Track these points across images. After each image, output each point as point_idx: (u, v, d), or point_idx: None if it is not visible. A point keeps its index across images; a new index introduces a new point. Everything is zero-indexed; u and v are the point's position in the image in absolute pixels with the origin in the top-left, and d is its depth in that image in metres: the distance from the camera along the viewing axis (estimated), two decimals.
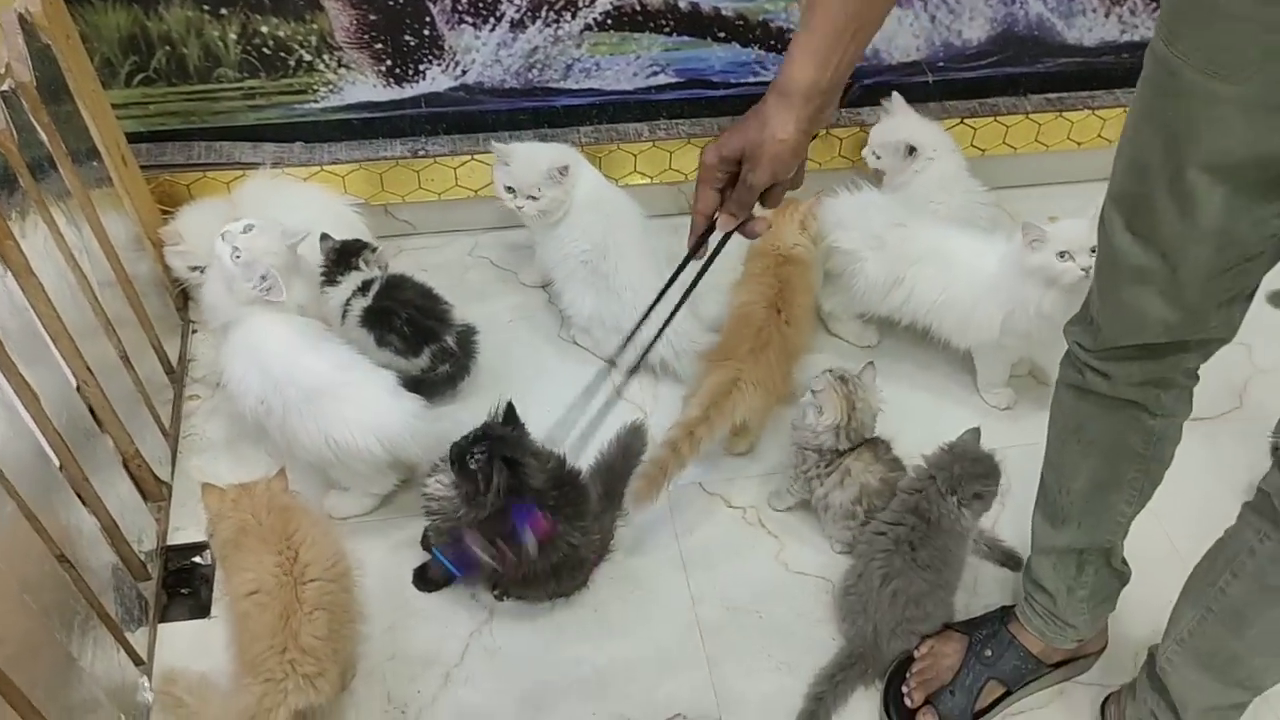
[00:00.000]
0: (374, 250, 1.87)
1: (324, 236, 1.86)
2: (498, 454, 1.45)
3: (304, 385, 1.59)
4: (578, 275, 1.99)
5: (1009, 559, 1.72)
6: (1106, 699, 1.54)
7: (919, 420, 1.83)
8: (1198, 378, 1.27)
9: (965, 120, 2.23)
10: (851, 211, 1.94)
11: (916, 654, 1.57)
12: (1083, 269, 1.67)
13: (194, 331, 2.03)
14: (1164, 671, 1.37)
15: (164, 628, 1.61)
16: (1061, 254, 1.69)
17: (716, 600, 1.69)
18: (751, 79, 2.18)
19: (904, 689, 1.54)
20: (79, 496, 1.42)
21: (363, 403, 1.58)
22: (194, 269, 1.92)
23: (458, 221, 2.26)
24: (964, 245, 1.86)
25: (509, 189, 1.92)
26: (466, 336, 1.88)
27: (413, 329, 1.81)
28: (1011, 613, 1.57)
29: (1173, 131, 1.02)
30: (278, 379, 1.59)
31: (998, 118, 2.25)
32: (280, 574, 1.41)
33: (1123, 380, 1.26)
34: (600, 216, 1.97)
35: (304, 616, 1.39)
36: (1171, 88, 1.01)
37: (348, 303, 1.84)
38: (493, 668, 1.59)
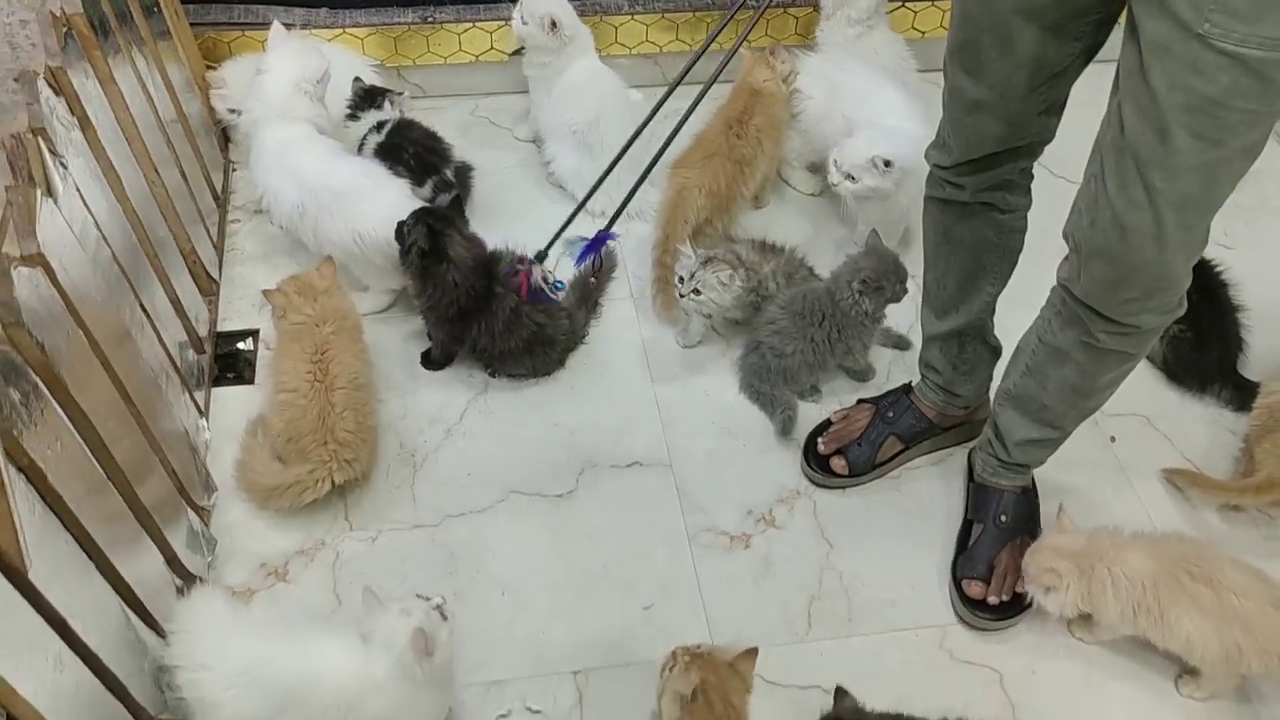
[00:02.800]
0: (399, 94, 2.20)
1: (356, 79, 2.19)
2: (422, 221, 1.80)
3: (335, 189, 1.93)
4: (567, 141, 2.33)
5: (899, 342, 2.10)
6: (970, 450, 1.90)
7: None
8: (1033, 175, 1.61)
9: (906, 4, 2.55)
10: (811, 60, 2.27)
11: (833, 418, 1.93)
12: (853, 190, 2.04)
13: (234, 170, 2.37)
14: (995, 413, 1.74)
15: (217, 390, 1.97)
16: (847, 175, 2.03)
17: (672, 381, 2.05)
18: None
19: (819, 442, 1.90)
20: (156, 275, 1.78)
21: (384, 203, 1.92)
22: (233, 111, 2.25)
23: (462, 86, 2.58)
24: (886, 97, 2.18)
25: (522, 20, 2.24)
26: (464, 172, 2.22)
27: (418, 162, 2.14)
28: (911, 388, 1.93)
29: None
30: (312, 185, 1.94)
31: (935, 2, 2.57)
32: (314, 380, 1.77)
33: (973, 188, 1.60)
34: (595, 96, 2.31)
35: (336, 416, 1.75)
36: None
37: (364, 138, 2.17)
38: (486, 426, 1.96)
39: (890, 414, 1.91)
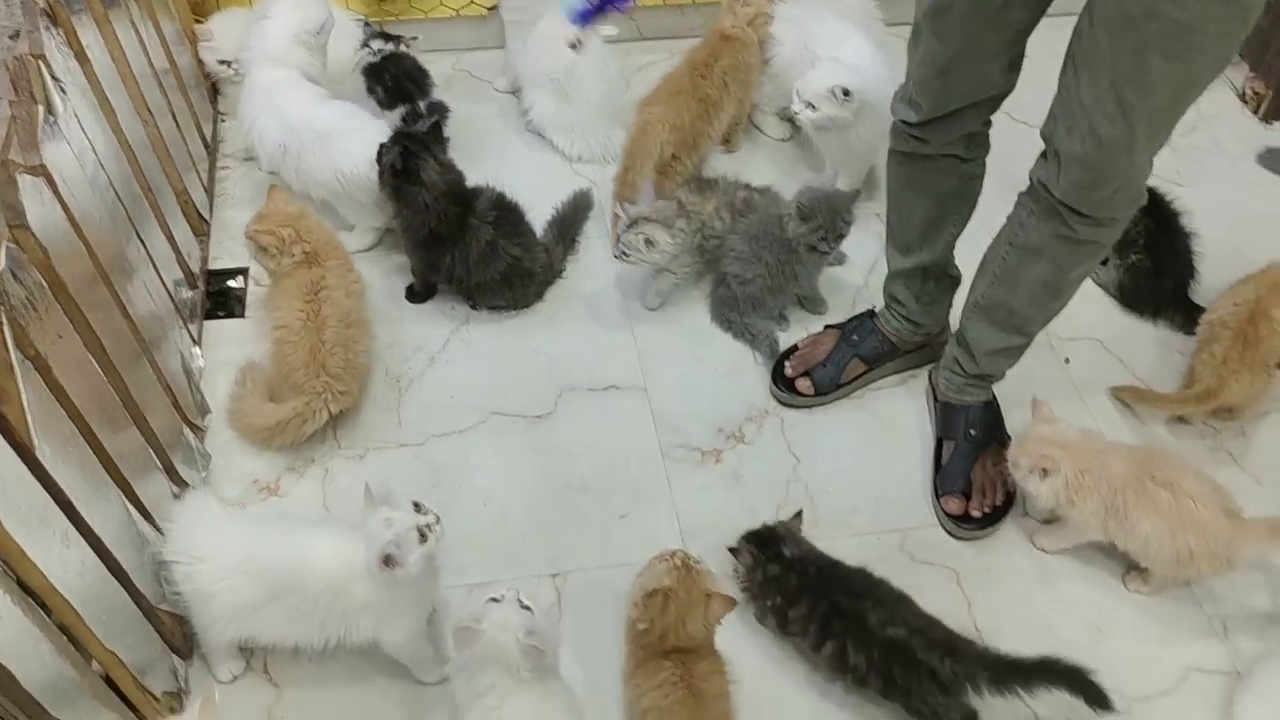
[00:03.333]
0: (412, 38, 2.30)
1: (366, 23, 2.30)
2: (399, 143, 1.89)
3: (317, 129, 2.02)
4: (544, 88, 2.42)
5: (838, 258, 2.19)
6: (931, 371, 1.99)
7: None
8: (991, 123, 1.69)
9: None
10: (784, 7, 2.36)
11: (800, 344, 2.02)
12: (812, 119, 2.11)
13: (222, 120, 2.45)
14: (963, 328, 1.83)
15: (209, 324, 2.06)
16: (807, 104, 2.11)
17: (648, 313, 2.13)
18: None
19: (786, 365, 1.99)
20: (151, 210, 1.86)
21: (365, 141, 2.00)
22: (222, 63, 2.33)
23: (444, 41, 2.66)
24: (854, 44, 2.26)
25: None
26: (439, 109, 2.27)
27: (395, 86, 2.22)
28: (875, 313, 2.02)
29: None
30: (295, 125, 2.02)
31: None
32: (306, 320, 1.84)
33: (937, 141, 1.68)
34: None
35: (326, 352, 1.83)
36: None
37: (361, 57, 2.25)
38: (468, 354, 2.05)
39: (855, 337, 2.00)
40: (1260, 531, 1.66)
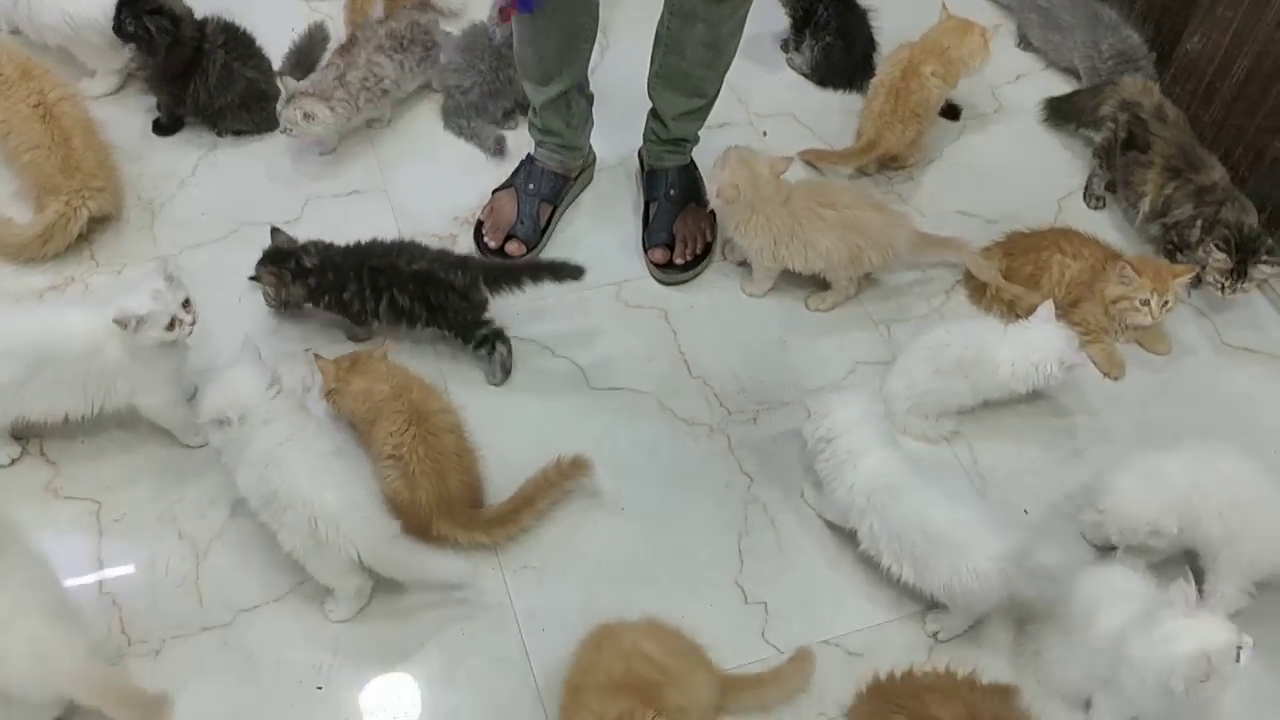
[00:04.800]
0: None
1: None
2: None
3: None
4: None
5: None
6: (639, 149, 2.22)
7: None
8: None
9: None
10: None
11: (482, 216, 2.13)
12: None
13: None
14: (652, 98, 2.06)
15: None
16: None
17: (382, 129, 2.32)
18: None
19: (485, 240, 2.10)
20: None
21: None
22: None
23: None
24: None
25: None
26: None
27: None
28: (533, 158, 2.15)
29: None
30: None
31: None
32: (51, 133, 1.97)
33: None
34: None
35: (79, 156, 1.97)
36: None
37: None
38: (216, 175, 2.20)
39: (530, 186, 2.13)
40: (911, 228, 2.01)
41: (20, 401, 1.67)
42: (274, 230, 1.91)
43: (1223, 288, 2.03)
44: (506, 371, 1.93)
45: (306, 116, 2.11)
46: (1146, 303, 1.93)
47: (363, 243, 1.91)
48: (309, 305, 1.91)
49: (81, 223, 1.98)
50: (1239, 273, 2.01)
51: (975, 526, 1.58)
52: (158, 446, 1.79)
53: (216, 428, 1.57)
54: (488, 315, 1.90)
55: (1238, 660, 1.40)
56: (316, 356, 1.79)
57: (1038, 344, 1.80)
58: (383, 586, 1.64)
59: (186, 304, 1.67)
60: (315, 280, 1.87)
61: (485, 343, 1.90)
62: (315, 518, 1.51)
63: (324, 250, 1.89)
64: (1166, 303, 1.94)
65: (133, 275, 1.66)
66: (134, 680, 1.50)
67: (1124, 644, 1.47)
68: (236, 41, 2.18)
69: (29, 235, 1.98)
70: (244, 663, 1.60)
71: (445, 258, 1.89)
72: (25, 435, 1.78)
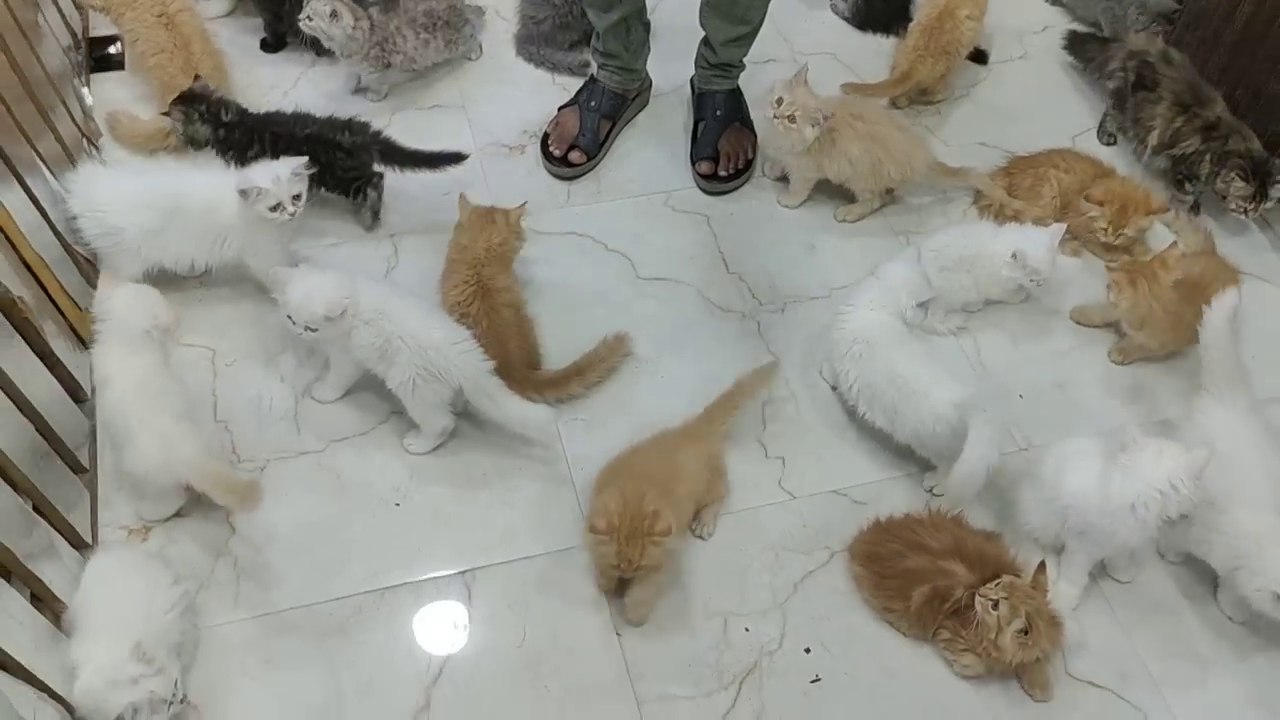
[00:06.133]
0: None
1: None
2: None
3: None
4: None
5: None
6: (691, 78, 2.47)
7: None
8: None
9: None
10: None
11: (549, 129, 2.39)
12: None
13: None
14: (703, 26, 2.31)
15: (100, 75, 2.47)
16: None
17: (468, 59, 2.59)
18: None
19: (550, 148, 2.36)
20: None
21: None
22: None
23: None
24: None
25: None
26: None
27: None
28: (594, 78, 2.41)
29: None
30: None
31: None
32: (173, 40, 2.29)
33: None
34: None
35: (198, 61, 2.27)
36: None
37: None
38: (314, 91, 2.49)
39: (592, 103, 2.38)
40: (929, 152, 2.24)
41: (155, 248, 1.97)
42: (196, 77, 2.16)
43: (1246, 211, 2.23)
44: (375, 214, 2.21)
45: (334, 15, 2.28)
46: (1105, 228, 2.16)
47: (268, 113, 2.21)
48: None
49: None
50: (1260, 195, 2.20)
51: (937, 377, 1.83)
52: (266, 306, 2.07)
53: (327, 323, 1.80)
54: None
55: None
56: (463, 196, 2.05)
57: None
58: (454, 432, 1.91)
59: (297, 198, 1.95)
60: (225, 134, 2.13)
61: (359, 192, 2.17)
62: (427, 349, 1.78)
63: (241, 112, 2.16)
64: (1123, 231, 2.15)
65: (271, 163, 1.94)
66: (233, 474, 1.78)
67: (1097, 488, 1.70)
68: None
69: (154, 128, 2.28)
70: (333, 481, 1.88)
71: (333, 122, 2.15)
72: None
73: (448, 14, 2.48)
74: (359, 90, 2.48)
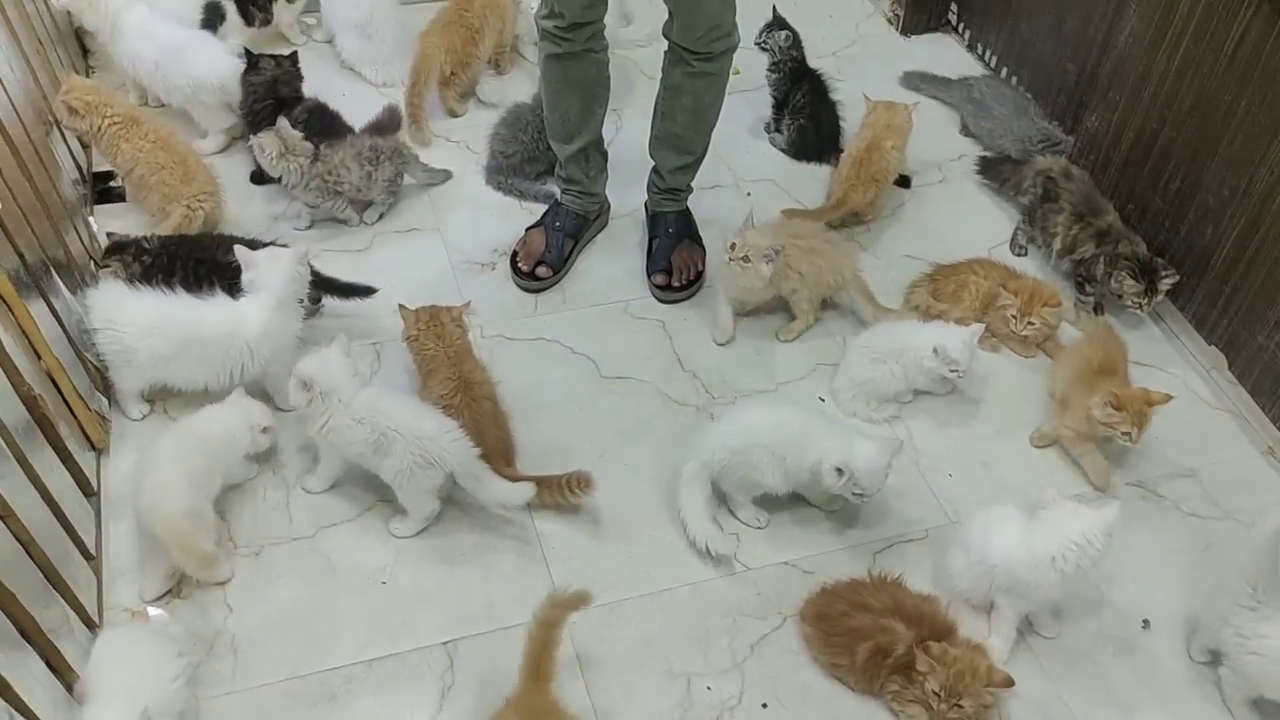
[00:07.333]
0: None
1: None
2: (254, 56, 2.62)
3: (179, 46, 2.71)
4: (352, 33, 3.13)
5: None
6: (645, 202, 2.74)
7: None
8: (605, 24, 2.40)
9: None
10: None
11: (517, 248, 2.63)
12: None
13: (92, 70, 3.08)
14: (652, 156, 2.59)
15: (100, 207, 2.69)
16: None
17: (440, 184, 2.85)
18: None
19: (519, 265, 2.60)
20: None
21: (211, 55, 2.72)
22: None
23: None
24: None
25: None
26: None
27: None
28: (559, 200, 2.67)
29: None
30: (164, 46, 2.72)
31: None
32: (170, 157, 2.53)
33: (579, 40, 2.35)
34: None
35: (194, 170, 2.53)
36: None
37: None
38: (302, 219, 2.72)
39: (557, 224, 2.64)
40: (851, 255, 2.53)
41: (167, 372, 2.16)
42: (109, 234, 2.37)
43: (1140, 306, 2.50)
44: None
45: (260, 146, 2.52)
46: (1014, 316, 2.44)
47: (190, 237, 2.43)
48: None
49: (199, 222, 2.51)
50: (1150, 290, 2.48)
51: (818, 434, 2.04)
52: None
53: (301, 390, 2.00)
54: None
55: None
56: (401, 306, 2.26)
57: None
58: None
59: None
60: (151, 261, 2.28)
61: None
62: (422, 439, 1.97)
63: (162, 240, 2.33)
64: (1031, 322, 2.43)
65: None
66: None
67: (1020, 546, 1.90)
68: (319, 120, 2.75)
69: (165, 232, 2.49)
70: (324, 563, 2.04)
71: (253, 245, 2.26)
72: (154, 398, 2.25)
73: (393, 153, 2.69)
74: (340, 218, 2.71)
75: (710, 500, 2.13)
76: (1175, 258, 2.50)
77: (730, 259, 2.36)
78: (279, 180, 2.60)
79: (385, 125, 2.91)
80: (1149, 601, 2.07)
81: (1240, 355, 2.41)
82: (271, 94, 2.70)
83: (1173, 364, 2.53)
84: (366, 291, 2.41)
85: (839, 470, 1.98)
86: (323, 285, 2.36)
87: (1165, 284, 2.46)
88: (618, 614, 2.00)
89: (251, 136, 2.58)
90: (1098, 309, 2.61)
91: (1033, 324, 2.43)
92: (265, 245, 2.28)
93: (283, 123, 2.57)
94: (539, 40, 2.40)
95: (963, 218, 2.90)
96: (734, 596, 2.04)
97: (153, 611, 1.93)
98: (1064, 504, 1.89)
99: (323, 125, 2.75)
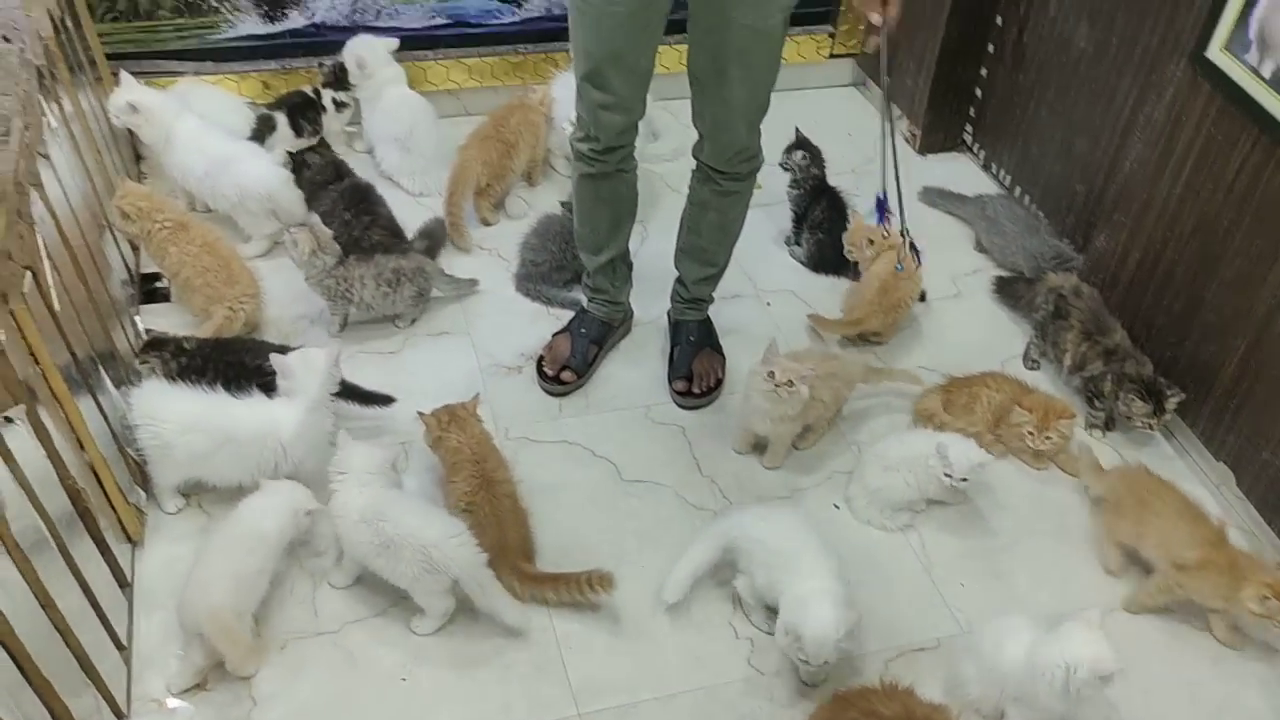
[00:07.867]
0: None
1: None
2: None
3: (227, 156, 2.86)
4: (391, 145, 3.29)
5: None
6: (668, 310, 2.84)
7: None
8: (635, 144, 2.51)
9: None
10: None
11: (543, 352, 2.72)
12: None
13: (144, 176, 3.24)
14: (677, 267, 2.70)
15: (146, 307, 2.81)
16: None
17: (473, 290, 2.96)
18: (494, 20, 3.51)
19: (544, 368, 2.69)
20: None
21: (257, 164, 2.86)
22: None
23: None
24: None
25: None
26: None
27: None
28: (585, 308, 2.78)
29: (594, 31, 2.22)
30: (214, 156, 2.86)
31: None
32: (215, 260, 2.65)
33: (612, 162, 2.46)
34: (409, 112, 3.27)
35: (236, 273, 2.65)
36: (583, 7, 2.22)
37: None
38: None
39: (582, 330, 2.74)
40: (864, 363, 2.63)
41: (203, 468, 2.25)
42: (147, 331, 2.51)
43: (1150, 426, 2.56)
44: None
45: (294, 241, 2.62)
46: (1031, 432, 2.49)
47: (223, 340, 2.52)
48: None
49: (240, 323, 2.62)
50: (1159, 410, 2.54)
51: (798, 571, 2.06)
52: None
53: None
54: None
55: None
56: (420, 414, 2.35)
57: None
58: (456, 613, 2.14)
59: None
60: (187, 362, 2.37)
61: None
62: (427, 546, 2.03)
63: (199, 343, 2.42)
64: (1048, 437, 2.49)
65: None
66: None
67: (1031, 658, 1.93)
68: (357, 197, 2.93)
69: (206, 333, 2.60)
70: (346, 659, 2.09)
71: (280, 349, 2.39)
72: (189, 492, 2.34)
73: (414, 275, 2.77)
74: (332, 315, 2.79)
75: (710, 566, 2.20)
76: (1181, 375, 2.57)
77: (775, 387, 2.34)
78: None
79: (434, 232, 3.04)
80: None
81: (1247, 471, 2.45)
82: (337, 174, 2.92)
83: (1184, 480, 2.56)
84: (386, 400, 2.49)
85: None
86: (345, 392, 2.43)
87: (1172, 403, 2.52)
88: (631, 717, 2.03)
89: (287, 231, 2.69)
90: (1109, 424, 2.66)
91: (1049, 438, 2.49)
92: (294, 350, 2.38)
93: (314, 219, 2.70)
94: (573, 160, 2.51)
95: (977, 331, 2.97)
96: (747, 703, 2.07)
97: (174, 703, 1.99)
98: (1074, 625, 1.92)
99: (356, 200, 2.92)
